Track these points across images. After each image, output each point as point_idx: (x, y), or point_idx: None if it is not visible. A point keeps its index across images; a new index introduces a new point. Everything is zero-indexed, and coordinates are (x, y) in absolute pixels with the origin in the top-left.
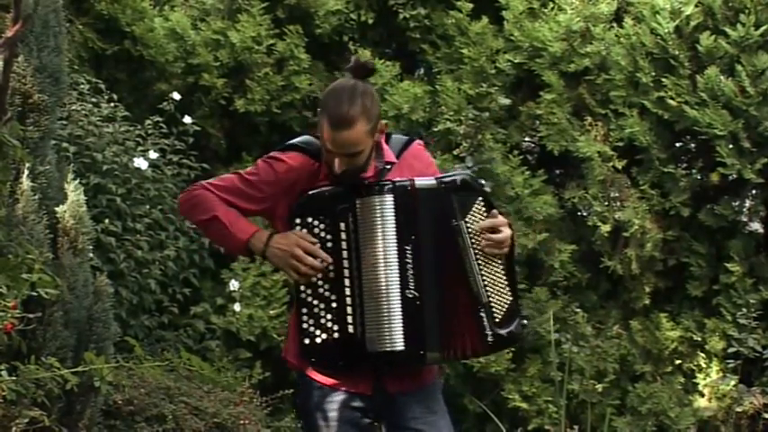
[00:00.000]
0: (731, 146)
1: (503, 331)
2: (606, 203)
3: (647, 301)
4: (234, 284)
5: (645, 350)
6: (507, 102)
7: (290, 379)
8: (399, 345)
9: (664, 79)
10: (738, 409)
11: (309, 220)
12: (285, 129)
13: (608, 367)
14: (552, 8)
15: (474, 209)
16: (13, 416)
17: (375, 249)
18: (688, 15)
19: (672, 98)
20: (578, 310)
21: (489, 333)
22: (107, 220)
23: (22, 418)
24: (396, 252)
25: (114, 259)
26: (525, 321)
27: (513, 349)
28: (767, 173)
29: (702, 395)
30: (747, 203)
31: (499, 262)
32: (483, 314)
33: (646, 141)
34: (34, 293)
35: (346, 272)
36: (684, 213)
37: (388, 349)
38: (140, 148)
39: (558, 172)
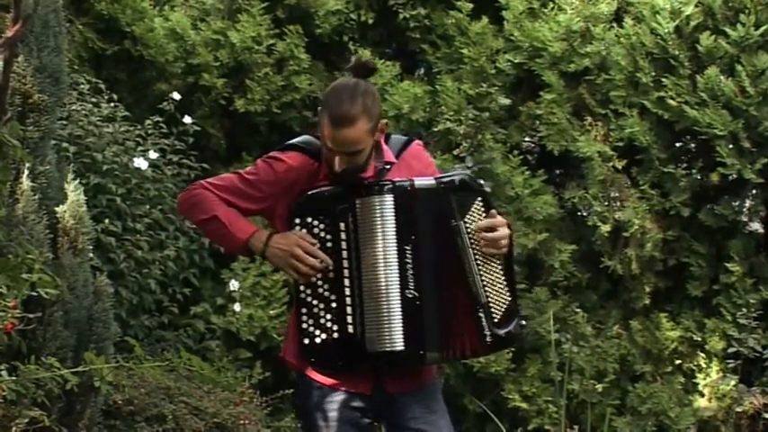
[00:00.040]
0: (731, 146)
1: (501, 331)
2: (606, 203)
3: (647, 301)
4: (234, 284)
5: (645, 350)
6: (507, 102)
7: (289, 379)
8: (399, 345)
9: (664, 79)
10: (738, 409)
11: (309, 220)
12: (285, 129)
13: (608, 367)
14: (552, 8)
15: (473, 209)
16: (13, 416)
17: (375, 249)
18: (688, 15)
19: (672, 98)
20: (578, 310)
21: (488, 333)
22: (107, 220)
23: (22, 418)
24: (395, 252)
25: (114, 259)
26: (524, 322)
27: (513, 349)
28: (767, 173)
29: (702, 395)
30: (747, 203)
31: (498, 262)
32: (482, 314)
33: (646, 141)
34: (34, 293)
35: (346, 272)
36: (684, 213)
37: (388, 349)
38: (140, 148)
39: (558, 172)
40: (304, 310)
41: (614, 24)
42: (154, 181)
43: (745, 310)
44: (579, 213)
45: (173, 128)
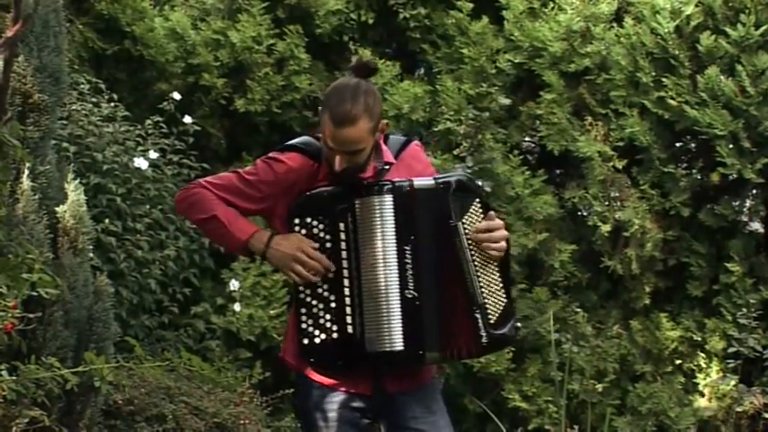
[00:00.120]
0: (731, 146)
1: (497, 333)
2: (606, 203)
3: (647, 301)
4: (234, 284)
5: (645, 350)
6: (507, 102)
7: (290, 379)
8: (398, 345)
9: (664, 79)
10: (738, 409)
11: (308, 220)
12: (285, 129)
13: (608, 367)
14: (552, 8)
15: (471, 210)
16: (13, 416)
17: (374, 249)
18: (688, 15)
19: (672, 98)
20: (578, 309)
21: (484, 334)
22: (107, 220)
23: (23, 418)
24: (395, 252)
25: (114, 259)
26: (519, 324)
27: (513, 349)
28: (767, 173)
29: (702, 395)
30: (747, 203)
31: (495, 264)
32: (478, 315)
33: (646, 141)
34: (34, 293)
35: (345, 272)
36: (684, 213)
37: (388, 349)
38: (140, 147)
39: (558, 172)
40: (303, 311)
41: (614, 24)
42: (154, 181)
43: (745, 309)
44: (579, 213)
45: (173, 128)
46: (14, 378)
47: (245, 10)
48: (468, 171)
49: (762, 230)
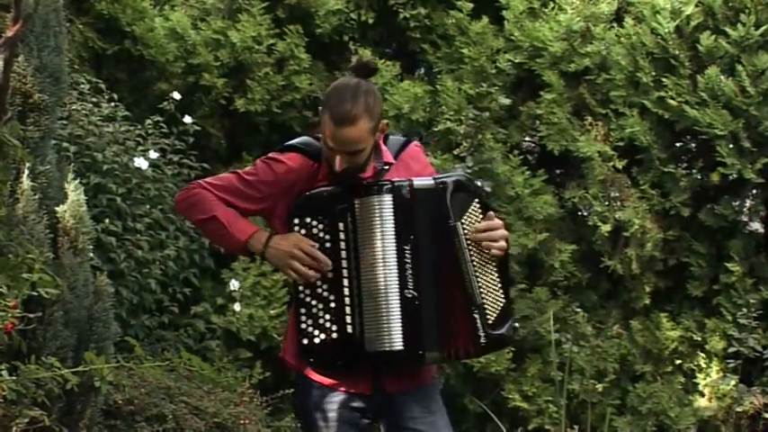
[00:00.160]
0: (731, 146)
1: (495, 333)
2: (606, 203)
3: (647, 301)
4: (234, 284)
5: (645, 350)
6: (507, 101)
7: (290, 379)
8: (398, 344)
9: (664, 79)
10: (739, 409)
11: (308, 220)
12: (285, 129)
13: (608, 367)
14: (552, 8)
15: (470, 210)
16: (13, 415)
17: (374, 249)
18: (688, 15)
19: (672, 98)
20: (578, 309)
21: (482, 335)
22: (107, 220)
23: (23, 418)
24: (394, 252)
25: (114, 259)
26: (516, 324)
27: (513, 349)
28: (767, 173)
29: (703, 395)
30: (747, 203)
31: (494, 264)
32: (476, 315)
33: (646, 141)
34: (34, 293)
35: (345, 272)
36: (685, 213)
37: (387, 349)
38: (140, 147)
39: (558, 172)
40: (303, 311)
41: (615, 24)
42: (154, 181)
43: (745, 309)
44: (579, 213)
45: (173, 128)
46: (14, 378)
47: (245, 10)
48: (469, 171)
49: (762, 230)
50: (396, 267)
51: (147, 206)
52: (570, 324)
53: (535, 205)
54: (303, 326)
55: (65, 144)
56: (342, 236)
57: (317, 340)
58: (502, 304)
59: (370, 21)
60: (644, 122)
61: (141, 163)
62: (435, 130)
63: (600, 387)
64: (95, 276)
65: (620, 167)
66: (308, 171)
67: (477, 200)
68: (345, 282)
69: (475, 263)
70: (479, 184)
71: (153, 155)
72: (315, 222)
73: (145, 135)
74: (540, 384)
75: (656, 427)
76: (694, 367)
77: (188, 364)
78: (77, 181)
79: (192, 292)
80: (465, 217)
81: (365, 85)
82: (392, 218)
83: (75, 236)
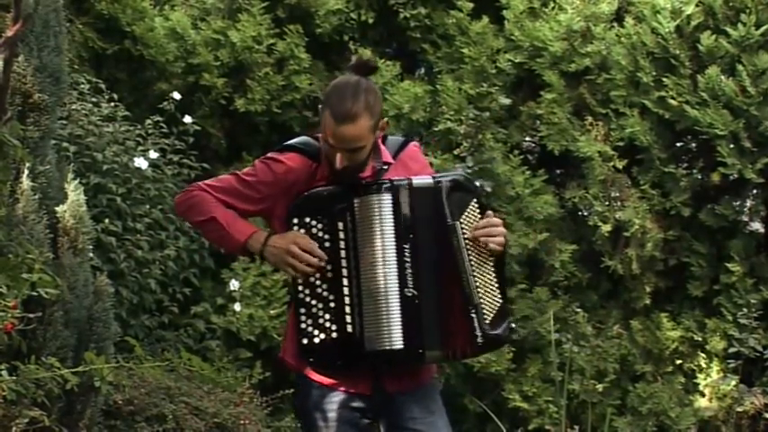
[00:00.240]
0: (732, 146)
1: (492, 333)
2: (607, 203)
3: (647, 301)
4: (234, 284)
5: (645, 350)
6: (508, 101)
7: (290, 379)
8: (398, 343)
9: (664, 79)
10: (739, 410)
11: (307, 220)
12: (285, 129)
13: (608, 367)
14: (553, 8)
15: (469, 209)
16: (13, 416)
17: (373, 248)
18: (689, 15)
19: (672, 98)
20: (579, 309)
21: (479, 334)
22: (107, 220)
23: (23, 418)
24: (394, 251)
25: (114, 259)
26: (514, 325)
27: (513, 349)
28: None
29: (703, 395)
30: (748, 203)
31: (491, 264)
32: (474, 315)
33: (646, 141)
34: (34, 293)
35: (344, 271)
36: (685, 213)
37: (387, 348)
38: (140, 147)
39: (558, 172)
40: (303, 310)
41: (615, 24)
42: (154, 181)
43: (745, 309)
44: (580, 213)
45: (173, 127)
46: (14, 378)
47: (245, 10)
48: (469, 171)
49: (762, 230)
50: (395, 266)
51: (147, 206)
52: (570, 324)
53: (535, 205)
54: (303, 326)
55: (65, 144)
56: (341, 235)
57: (316, 340)
58: (499, 304)
59: (371, 20)
60: (644, 122)
61: (141, 163)
62: (435, 129)
63: (600, 387)
64: (95, 276)
65: (621, 167)
66: (308, 171)
67: (475, 199)
68: (345, 281)
69: (473, 262)
70: (479, 183)
71: (153, 155)
72: (314, 222)
73: (145, 135)
74: (540, 384)
75: (656, 427)
76: (695, 367)
77: (188, 364)
78: (77, 181)
79: (191, 292)
80: (464, 216)
81: (365, 83)
82: (391, 217)
83: (75, 236)
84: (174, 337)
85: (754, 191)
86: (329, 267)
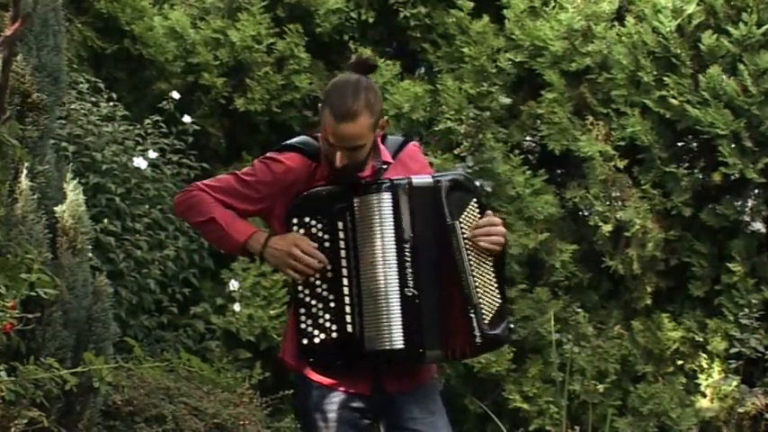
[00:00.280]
0: (733, 145)
1: (491, 333)
2: (607, 203)
3: (648, 302)
4: (234, 284)
5: (646, 350)
6: (508, 101)
7: (289, 379)
8: (399, 343)
9: (665, 78)
10: (740, 410)
11: (306, 219)
12: (285, 128)
13: (609, 368)
14: (553, 7)
15: (468, 209)
16: (11, 416)
17: (373, 247)
18: (690, 14)
19: (674, 97)
20: (579, 310)
21: (478, 334)
22: (106, 220)
23: (21, 419)
24: (394, 250)
25: (113, 259)
26: (512, 325)
27: (513, 349)
28: None
29: (704, 396)
30: (749, 203)
31: (490, 264)
32: (473, 315)
33: (647, 141)
34: (33, 293)
35: (344, 271)
36: (686, 213)
37: (388, 348)
38: (140, 147)
39: (559, 171)
40: (302, 311)
41: (616, 23)
42: (153, 180)
43: (747, 310)
44: (580, 213)
45: (172, 127)
46: (13, 379)
47: (244, 9)
48: (469, 171)
49: (763, 230)
50: (395, 266)
51: (147, 206)
52: (571, 324)
53: (536, 205)
54: (303, 326)
55: (63, 144)
56: (341, 235)
57: (316, 340)
58: (498, 304)
59: (371, 20)
60: (645, 122)
61: (140, 163)
62: (436, 129)
63: (601, 388)
64: (94, 276)
65: (622, 167)
66: (307, 171)
67: (475, 199)
68: (345, 281)
69: (472, 262)
70: (479, 183)
71: (152, 154)
72: (313, 222)
73: (144, 135)
74: (540, 385)
75: (657, 428)
76: (696, 368)
77: (187, 364)
78: (76, 181)
79: (191, 292)
80: (463, 216)
81: (365, 82)
82: (391, 216)
83: (74, 236)
84: (174, 337)
85: (756, 191)
86: (329, 267)
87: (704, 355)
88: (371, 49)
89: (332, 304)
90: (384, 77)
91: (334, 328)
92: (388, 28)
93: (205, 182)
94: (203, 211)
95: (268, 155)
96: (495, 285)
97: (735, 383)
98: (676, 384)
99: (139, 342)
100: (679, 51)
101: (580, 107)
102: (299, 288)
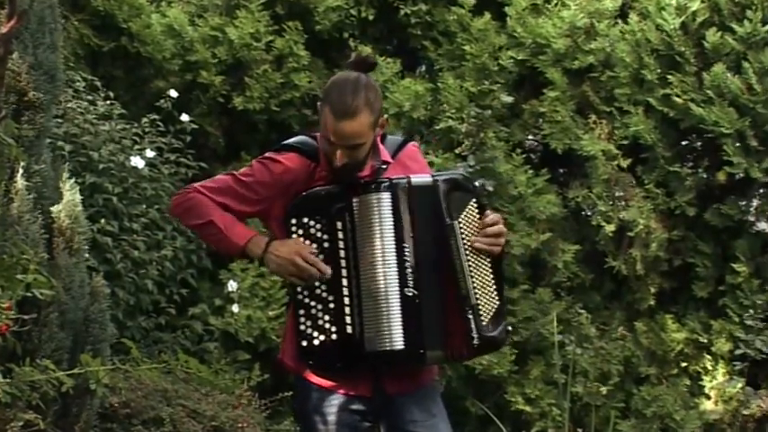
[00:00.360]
0: (738, 144)
1: (488, 335)
2: (610, 203)
3: (651, 302)
4: (232, 285)
5: (650, 352)
6: (510, 99)
7: (289, 381)
8: (399, 344)
9: (669, 76)
10: (745, 412)
11: (305, 220)
12: (284, 127)
13: (612, 369)
14: (556, 4)
15: (468, 209)
16: (7, 419)
17: (373, 248)
18: (694, 11)
19: (677, 95)
20: (582, 311)
21: (475, 336)
22: (103, 220)
23: (17, 421)
24: (394, 250)
25: (111, 259)
26: (510, 327)
27: (515, 351)
28: None
29: (708, 398)
30: (754, 203)
31: (489, 265)
32: (471, 316)
33: (651, 140)
34: (29, 294)
35: (344, 271)
36: (690, 213)
37: (388, 348)
38: (137, 146)
39: (561, 171)
40: (302, 312)
41: (619, 20)
42: (151, 180)
43: (751, 311)
44: (583, 213)
45: (170, 126)
46: (9, 380)
47: (243, 6)
48: (470, 170)
49: None
50: (395, 265)
51: (144, 206)
52: (574, 325)
53: (538, 205)
54: (302, 327)
55: (60, 143)
56: (340, 235)
57: (316, 342)
58: (496, 305)
59: (371, 17)
60: (649, 120)
61: (138, 162)
62: (436, 128)
63: (604, 390)
64: (91, 277)
65: (625, 166)
66: (306, 171)
67: (474, 199)
68: (344, 281)
69: (471, 263)
70: (479, 183)
71: (149, 154)
72: (312, 222)
73: (141, 133)
74: (542, 387)
75: (660, 430)
76: (700, 369)
77: (185, 366)
78: (73, 180)
79: (189, 293)
80: (462, 216)
81: (365, 80)
82: (391, 216)
83: (71, 236)
84: (172, 338)
85: (761, 190)
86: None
87: (708, 357)
88: (371, 47)
89: (331, 305)
90: (384, 75)
91: (333, 329)
92: (388, 25)
93: (202, 183)
94: (201, 213)
95: (266, 155)
96: (494, 286)
97: (739, 385)
98: (680, 386)
99: (137, 343)
100: (683, 49)
101: (583, 105)
102: (298, 289)
